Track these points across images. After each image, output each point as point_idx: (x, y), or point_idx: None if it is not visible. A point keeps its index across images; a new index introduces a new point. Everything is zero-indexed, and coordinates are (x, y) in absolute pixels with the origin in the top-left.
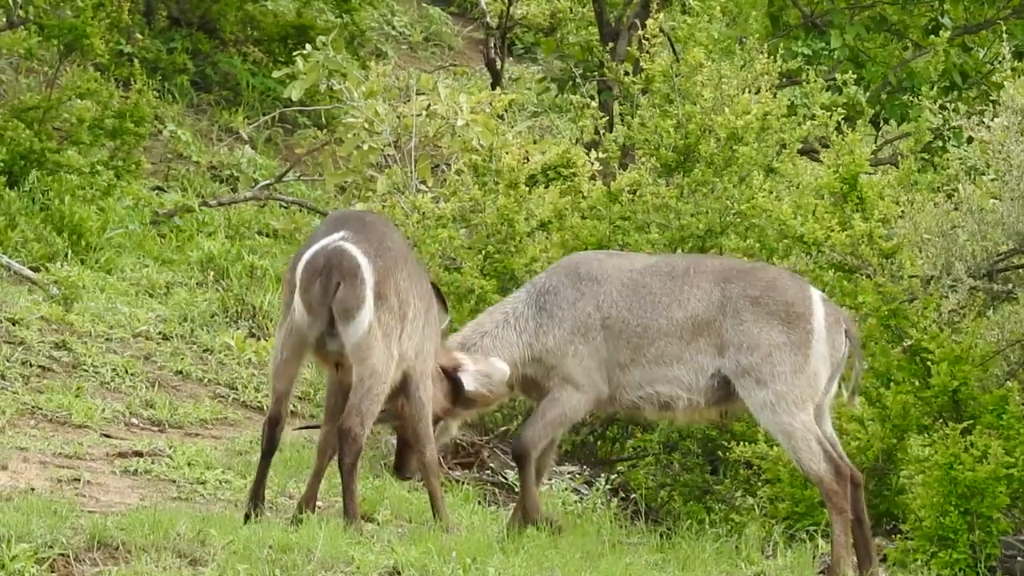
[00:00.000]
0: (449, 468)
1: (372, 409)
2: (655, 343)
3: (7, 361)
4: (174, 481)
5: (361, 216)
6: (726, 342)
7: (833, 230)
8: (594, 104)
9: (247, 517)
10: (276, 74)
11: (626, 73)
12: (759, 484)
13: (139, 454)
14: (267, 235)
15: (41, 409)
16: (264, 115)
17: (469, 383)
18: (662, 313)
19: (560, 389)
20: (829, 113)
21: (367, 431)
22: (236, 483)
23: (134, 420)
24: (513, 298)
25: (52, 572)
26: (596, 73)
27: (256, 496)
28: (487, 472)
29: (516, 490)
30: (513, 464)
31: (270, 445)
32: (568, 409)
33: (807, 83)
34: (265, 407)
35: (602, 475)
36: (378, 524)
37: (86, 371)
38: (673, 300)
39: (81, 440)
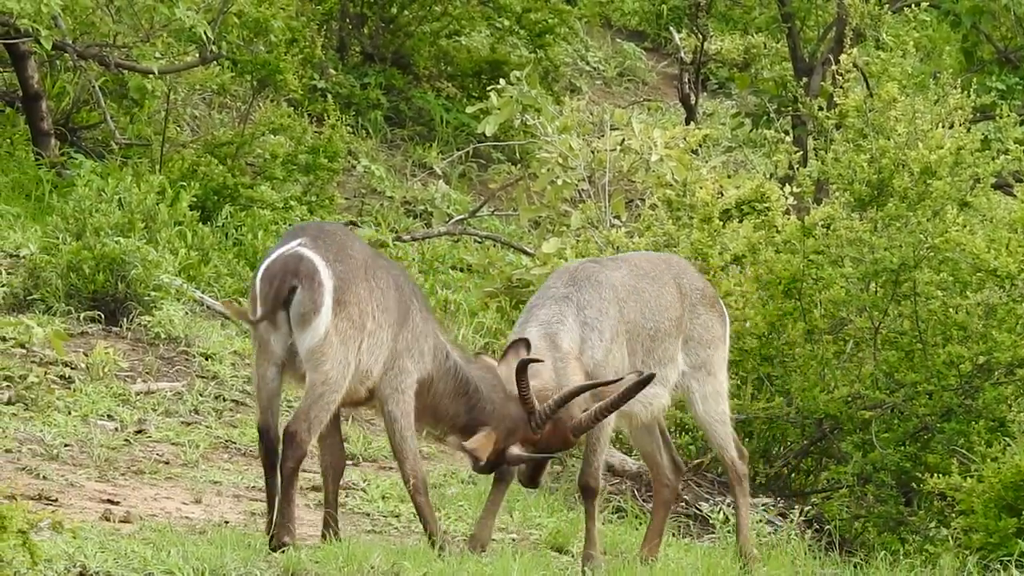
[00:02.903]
0: (644, 500)
1: (321, 417)
2: (662, 343)
3: (200, 396)
4: (368, 514)
5: (320, 225)
6: (687, 336)
7: None
8: (788, 139)
9: (274, 547)
10: (470, 109)
11: (820, 108)
12: (953, 515)
13: None
14: (461, 270)
15: (235, 443)
16: (458, 150)
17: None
18: (663, 314)
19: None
20: (1023, 147)
21: (313, 437)
22: None
23: None
24: (558, 315)
25: None
26: (790, 108)
27: (273, 517)
28: (681, 504)
29: (711, 521)
30: (707, 496)
31: (268, 457)
32: (612, 420)
33: (1001, 118)
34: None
35: (796, 507)
36: (572, 556)
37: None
38: (664, 300)
39: None
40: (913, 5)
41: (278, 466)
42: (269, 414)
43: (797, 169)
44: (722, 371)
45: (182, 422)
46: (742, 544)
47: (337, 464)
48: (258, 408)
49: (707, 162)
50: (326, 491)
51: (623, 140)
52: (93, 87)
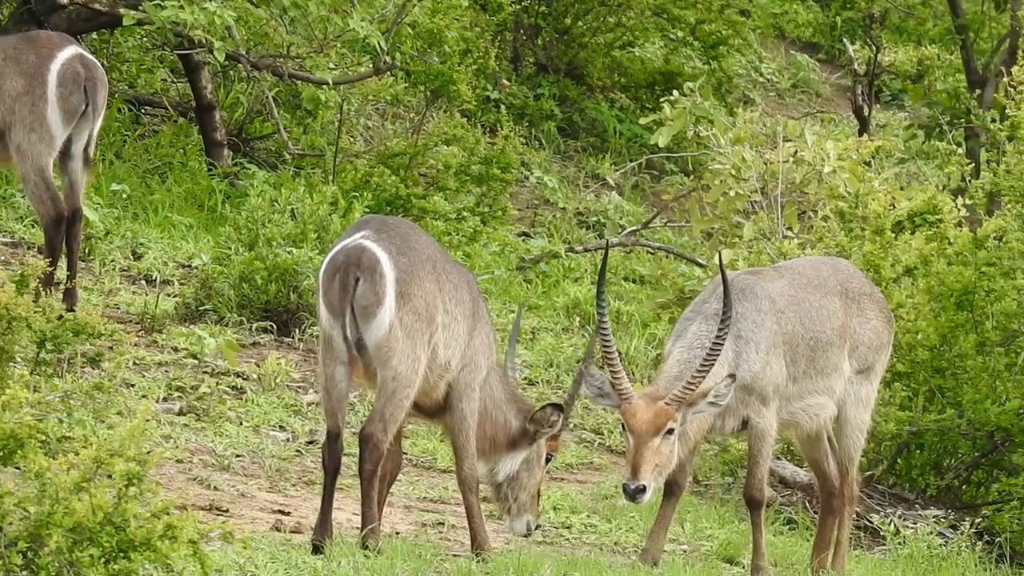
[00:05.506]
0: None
1: (395, 415)
2: (824, 353)
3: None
4: (538, 526)
5: (384, 218)
6: (855, 343)
7: None
8: (960, 151)
9: (316, 548)
10: (643, 120)
11: (993, 120)
12: None
13: None
14: (633, 281)
15: (406, 454)
16: (631, 161)
17: None
18: (825, 323)
19: (759, 415)
20: None
21: (390, 437)
22: (601, 527)
23: None
24: (707, 333)
25: None
26: (963, 120)
27: (325, 521)
28: (852, 516)
29: (881, 533)
30: (879, 508)
31: (332, 461)
32: (774, 431)
33: None
34: None
35: (967, 519)
36: (744, 568)
37: None
38: (826, 310)
39: (446, 484)
40: None
41: (358, 467)
42: (338, 417)
43: (969, 181)
44: (878, 378)
45: (352, 432)
46: (839, 566)
47: (393, 469)
48: (326, 410)
49: (880, 174)
50: (379, 495)
51: (796, 152)
52: (267, 98)
